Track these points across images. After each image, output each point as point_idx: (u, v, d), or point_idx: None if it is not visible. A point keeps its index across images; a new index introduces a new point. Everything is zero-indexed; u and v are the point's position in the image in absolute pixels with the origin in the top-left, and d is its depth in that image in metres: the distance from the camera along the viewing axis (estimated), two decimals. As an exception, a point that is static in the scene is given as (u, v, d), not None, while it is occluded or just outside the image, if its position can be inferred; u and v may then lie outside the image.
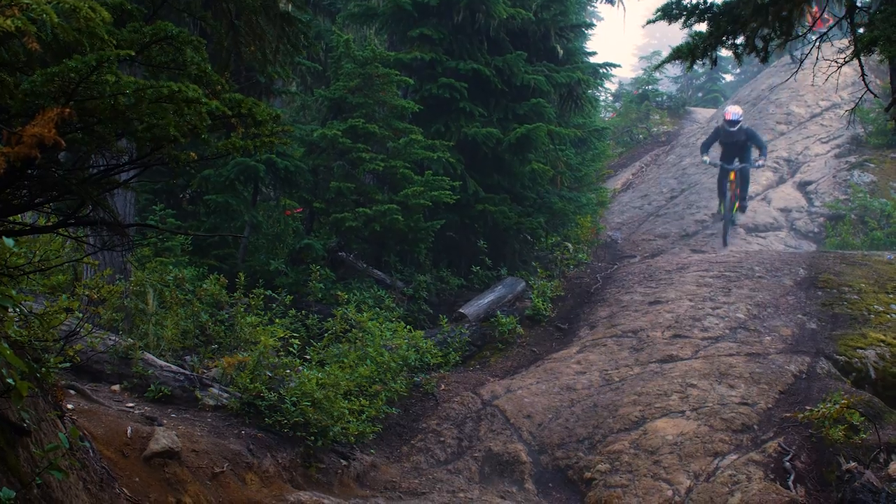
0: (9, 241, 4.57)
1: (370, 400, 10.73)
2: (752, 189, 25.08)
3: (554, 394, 12.29)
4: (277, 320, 11.92)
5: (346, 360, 11.20)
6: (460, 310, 15.40)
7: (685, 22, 9.52)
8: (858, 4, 8.95)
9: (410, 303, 15.49)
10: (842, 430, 9.79)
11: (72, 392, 8.47)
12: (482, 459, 11.02)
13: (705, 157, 22.07)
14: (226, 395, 9.64)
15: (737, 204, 21.93)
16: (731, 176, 21.47)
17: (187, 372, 9.85)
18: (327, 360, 11.32)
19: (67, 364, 7.11)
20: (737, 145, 21.40)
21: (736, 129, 21.19)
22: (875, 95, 11.62)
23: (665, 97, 41.12)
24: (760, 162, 21.56)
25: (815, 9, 25.78)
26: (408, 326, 12.96)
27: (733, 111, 21.58)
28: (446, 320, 14.36)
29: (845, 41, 15.88)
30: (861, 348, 12.48)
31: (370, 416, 10.49)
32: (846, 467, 8.64)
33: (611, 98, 43.03)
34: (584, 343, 14.06)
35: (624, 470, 10.26)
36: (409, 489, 10.17)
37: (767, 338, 13.06)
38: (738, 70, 50.10)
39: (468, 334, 14.43)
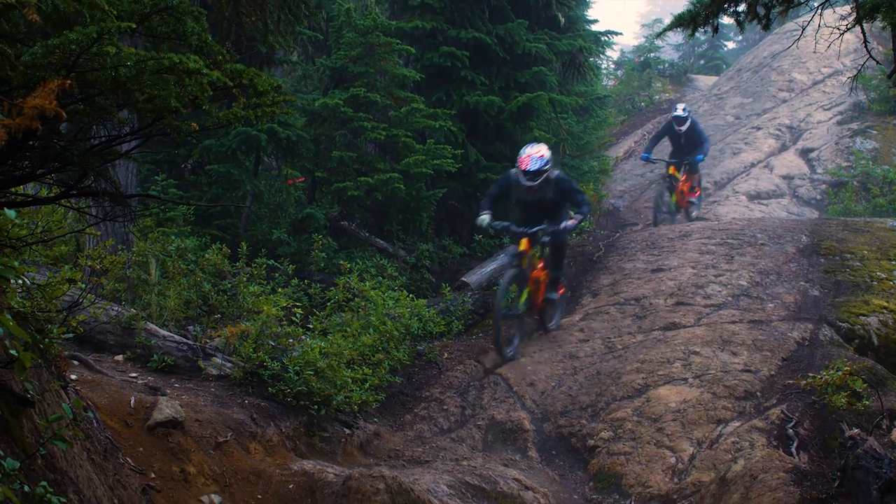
0: (11, 213, 4.57)
1: (373, 369, 10.76)
2: (753, 156, 25.01)
3: (557, 362, 12.33)
4: (280, 290, 11.94)
5: (348, 329, 11.23)
6: (463, 278, 15.42)
7: (687, -11, 9.49)
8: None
9: (413, 271, 15.51)
10: (844, 397, 9.81)
11: (75, 363, 8.50)
12: (485, 427, 11.06)
13: (483, 216, 12.96)
14: (229, 364, 9.66)
15: (539, 298, 13.39)
16: (524, 245, 12.81)
17: (190, 342, 9.87)
18: (330, 329, 11.35)
19: (70, 335, 7.13)
20: (541, 205, 12.98)
21: (538, 183, 12.74)
22: (877, 62, 11.58)
23: (667, 65, 41.06)
24: (571, 223, 12.80)
25: None
26: (410, 295, 12.99)
27: (534, 154, 12.74)
28: (449, 289, 14.39)
29: (847, 8, 15.83)
30: (864, 315, 12.50)
31: (373, 384, 10.52)
32: (849, 434, 8.65)
33: (613, 66, 42.95)
34: (587, 311, 14.09)
35: (627, 437, 10.30)
36: (412, 457, 10.22)
37: (770, 305, 13.08)
38: (740, 37, 49.99)
39: (471, 303, 14.44)
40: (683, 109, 20.32)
